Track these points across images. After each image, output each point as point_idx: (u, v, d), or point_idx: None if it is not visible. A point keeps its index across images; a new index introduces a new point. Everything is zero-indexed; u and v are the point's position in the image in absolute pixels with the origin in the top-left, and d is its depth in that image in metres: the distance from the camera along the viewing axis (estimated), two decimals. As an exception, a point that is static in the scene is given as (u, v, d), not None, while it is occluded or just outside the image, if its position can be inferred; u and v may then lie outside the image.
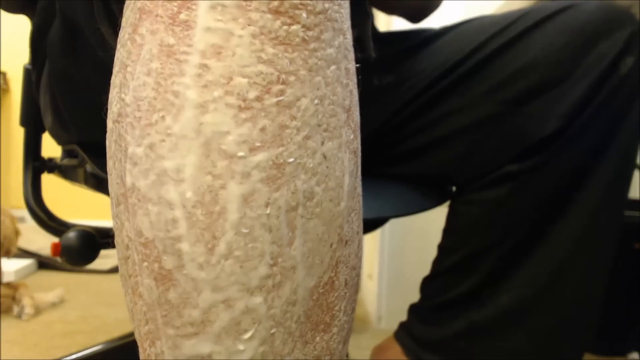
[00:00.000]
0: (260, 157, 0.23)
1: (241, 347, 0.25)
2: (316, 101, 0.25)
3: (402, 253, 1.28)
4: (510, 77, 0.58)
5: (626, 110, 0.56)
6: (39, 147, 0.75)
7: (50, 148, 0.75)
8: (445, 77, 0.62)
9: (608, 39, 0.54)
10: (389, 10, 0.66)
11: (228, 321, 0.24)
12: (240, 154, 0.23)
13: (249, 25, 0.23)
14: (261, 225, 0.24)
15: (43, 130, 0.74)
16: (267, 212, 0.24)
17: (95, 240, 0.67)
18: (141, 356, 0.29)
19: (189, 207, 0.23)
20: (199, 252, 0.23)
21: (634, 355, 1.08)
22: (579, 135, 0.56)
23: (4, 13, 0.63)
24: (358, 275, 0.32)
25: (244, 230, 0.23)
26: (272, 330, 0.26)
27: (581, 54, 0.55)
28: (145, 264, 0.25)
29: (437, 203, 0.70)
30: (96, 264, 0.98)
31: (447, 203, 0.72)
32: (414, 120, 0.66)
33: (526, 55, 0.57)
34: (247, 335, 0.25)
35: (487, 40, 0.60)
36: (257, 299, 0.25)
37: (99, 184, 0.62)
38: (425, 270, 0.78)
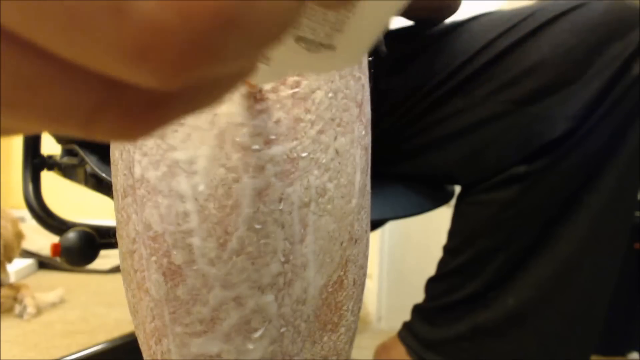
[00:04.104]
0: (274, 150, 0.23)
1: (250, 346, 0.24)
2: (330, 94, 0.24)
3: (402, 253, 1.28)
4: (517, 77, 0.58)
5: (637, 111, 0.55)
6: (38, 144, 0.75)
7: (50, 145, 0.74)
8: (452, 78, 0.62)
9: (621, 39, 0.54)
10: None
11: (238, 319, 0.24)
12: (255, 146, 0.22)
13: None
14: (274, 221, 0.23)
15: (43, 128, 0.73)
16: (280, 207, 0.23)
17: (95, 241, 0.66)
18: (145, 354, 0.28)
19: (201, 200, 0.22)
20: (210, 247, 0.23)
21: (634, 355, 1.08)
22: (588, 136, 0.56)
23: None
24: (365, 275, 0.32)
25: (257, 226, 0.23)
26: (282, 330, 0.25)
27: (593, 54, 0.54)
28: (154, 258, 0.24)
29: (437, 204, 0.69)
30: (96, 264, 0.97)
31: (447, 204, 0.72)
32: (420, 120, 0.65)
33: (535, 55, 0.57)
34: (257, 334, 0.24)
35: (494, 39, 0.60)
36: (268, 297, 0.24)
37: (99, 184, 0.62)
38: (426, 270, 0.77)
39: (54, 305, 1.33)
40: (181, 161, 0.23)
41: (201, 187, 0.22)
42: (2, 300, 1.25)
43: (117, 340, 0.88)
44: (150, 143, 0.23)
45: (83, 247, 0.65)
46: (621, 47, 0.54)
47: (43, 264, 1.76)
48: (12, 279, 1.46)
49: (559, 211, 0.59)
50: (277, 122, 0.23)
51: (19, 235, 1.39)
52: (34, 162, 0.74)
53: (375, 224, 0.80)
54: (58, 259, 0.65)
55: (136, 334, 0.29)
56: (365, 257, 0.31)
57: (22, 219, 1.71)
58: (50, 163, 0.75)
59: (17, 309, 1.25)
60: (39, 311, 1.26)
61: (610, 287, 0.60)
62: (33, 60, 0.08)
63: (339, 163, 0.25)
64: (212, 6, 0.08)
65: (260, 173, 0.23)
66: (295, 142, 0.23)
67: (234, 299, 0.23)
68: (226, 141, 0.22)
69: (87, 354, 0.82)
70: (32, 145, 0.74)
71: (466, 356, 0.66)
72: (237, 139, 0.22)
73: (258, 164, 0.23)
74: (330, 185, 0.25)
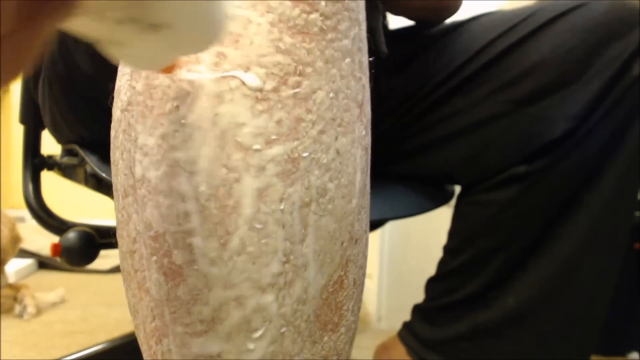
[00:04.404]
0: (275, 150, 0.23)
1: (251, 346, 0.24)
2: (331, 94, 0.24)
3: (402, 253, 1.28)
4: (517, 78, 0.58)
5: (637, 111, 0.55)
6: (38, 144, 0.74)
7: (50, 145, 0.74)
8: (452, 78, 0.62)
9: (621, 40, 0.54)
10: (397, 10, 0.65)
11: (239, 319, 0.24)
12: (256, 146, 0.22)
13: (267, 12, 0.22)
14: (275, 221, 0.23)
15: (42, 128, 0.73)
16: (281, 207, 0.23)
17: (95, 241, 0.66)
18: (145, 354, 0.28)
19: (202, 200, 0.22)
20: (211, 247, 0.23)
21: (634, 355, 1.08)
22: (588, 136, 0.56)
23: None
24: (364, 275, 0.32)
25: (258, 226, 0.23)
26: (282, 330, 0.25)
27: (593, 55, 0.54)
28: (154, 258, 0.24)
29: (437, 204, 0.69)
30: (96, 264, 0.97)
31: (447, 204, 0.72)
32: (420, 120, 0.65)
33: (535, 55, 0.57)
34: (257, 334, 0.24)
35: (495, 39, 0.60)
36: (269, 297, 0.24)
37: (99, 184, 0.62)
38: (426, 270, 0.77)
39: (54, 305, 1.33)
40: (182, 161, 0.23)
41: (202, 187, 0.22)
42: (2, 300, 1.25)
43: (117, 340, 0.87)
44: (151, 143, 0.23)
45: (83, 247, 0.65)
46: (621, 47, 0.54)
47: (43, 264, 1.76)
48: (12, 279, 1.46)
49: (559, 211, 0.59)
50: (279, 122, 0.23)
51: (16, 240, 1.38)
52: (34, 162, 0.74)
53: (375, 224, 0.80)
54: (58, 259, 0.65)
55: (136, 334, 0.29)
56: (365, 257, 0.31)
57: (22, 219, 1.71)
58: (50, 163, 0.75)
59: (17, 309, 1.25)
60: (39, 311, 1.26)
61: (610, 287, 0.60)
62: None
63: (340, 163, 0.25)
64: None
65: (261, 173, 0.23)
66: (296, 142, 0.23)
67: (235, 299, 0.23)
68: (227, 141, 0.22)
69: (87, 354, 0.82)
70: (32, 145, 0.74)
71: (466, 356, 0.66)
72: (239, 139, 0.22)
73: (259, 164, 0.23)
74: (331, 186, 0.25)
